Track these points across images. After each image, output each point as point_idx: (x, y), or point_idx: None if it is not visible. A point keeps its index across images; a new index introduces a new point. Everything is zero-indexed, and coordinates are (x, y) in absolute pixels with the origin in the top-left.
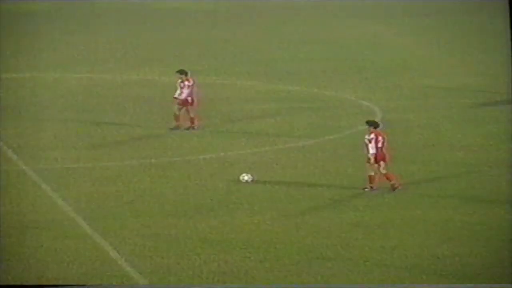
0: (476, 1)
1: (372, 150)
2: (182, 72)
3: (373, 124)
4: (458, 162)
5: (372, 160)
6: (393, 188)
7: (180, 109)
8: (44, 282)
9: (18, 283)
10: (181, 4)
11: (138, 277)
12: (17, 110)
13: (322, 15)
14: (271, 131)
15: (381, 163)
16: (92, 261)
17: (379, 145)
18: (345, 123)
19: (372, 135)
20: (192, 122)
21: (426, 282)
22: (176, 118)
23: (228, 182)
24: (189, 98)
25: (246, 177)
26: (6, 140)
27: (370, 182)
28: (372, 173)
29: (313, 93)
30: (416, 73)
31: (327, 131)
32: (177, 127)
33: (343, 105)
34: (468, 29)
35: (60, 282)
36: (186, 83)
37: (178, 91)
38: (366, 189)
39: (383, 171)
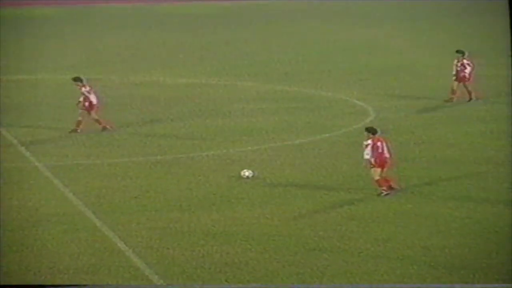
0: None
1: (367, 155)
2: (77, 79)
3: (370, 131)
4: (447, 159)
5: (367, 164)
6: (380, 193)
7: (83, 115)
8: (55, 272)
9: (31, 273)
10: (184, 8)
11: (144, 268)
12: (30, 109)
13: (319, 19)
14: (270, 130)
15: (384, 169)
16: (101, 252)
17: (379, 150)
18: (340, 122)
19: (369, 141)
20: (100, 123)
21: (417, 272)
22: (78, 123)
23: (229, 178)
24: (86, 103)
25: (247, 173)
26: (20, 138)
27: (380, 186)
28: (377, 177)
29: (310, 93)
30: (409, 74)
31: (323, 129)
32: (75, 131)
33: (339, 105)
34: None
35: (71, 272)
36: (83, 89)
37: (81, 98)
38: (381, 194)
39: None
